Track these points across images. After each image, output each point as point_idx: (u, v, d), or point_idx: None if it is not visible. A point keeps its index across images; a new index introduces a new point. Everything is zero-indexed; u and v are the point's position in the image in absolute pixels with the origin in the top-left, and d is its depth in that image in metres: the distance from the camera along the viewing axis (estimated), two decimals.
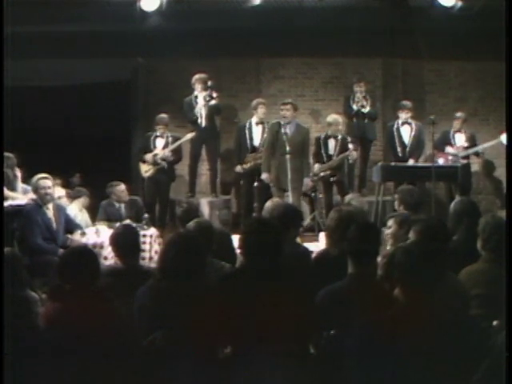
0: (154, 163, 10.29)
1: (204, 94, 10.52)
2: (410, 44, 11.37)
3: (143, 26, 10.63)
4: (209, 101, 10.46)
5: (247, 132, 10.33)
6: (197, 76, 10.61)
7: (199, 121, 10.53)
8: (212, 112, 10.57)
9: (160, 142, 10.41)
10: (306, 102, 11.65)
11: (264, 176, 9.51)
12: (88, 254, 4.16)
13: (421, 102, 11.74)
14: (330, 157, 10.04)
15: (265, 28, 10.81)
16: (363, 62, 11.65)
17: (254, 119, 10.36)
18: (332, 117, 10.17)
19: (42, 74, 11.33)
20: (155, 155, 10.29)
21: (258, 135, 10.29)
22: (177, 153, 10.47)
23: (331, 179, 9.91)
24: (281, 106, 9.60)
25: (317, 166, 9.95)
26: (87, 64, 11.27)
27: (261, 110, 10.29)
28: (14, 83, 11.17)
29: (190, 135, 10.44)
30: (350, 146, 10.02)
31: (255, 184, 9.94)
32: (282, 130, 9.09)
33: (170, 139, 10.39)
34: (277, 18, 10.76)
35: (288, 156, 8.78)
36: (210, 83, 10.52)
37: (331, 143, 10.05)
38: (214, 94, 10.47)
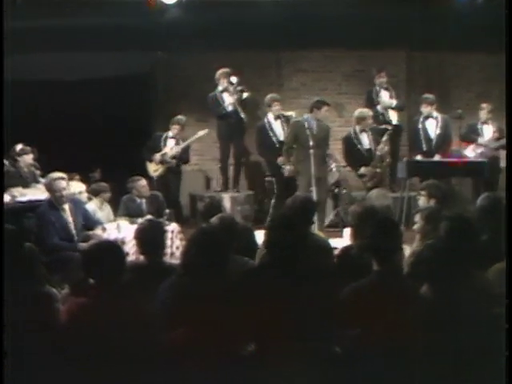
0: (163, 162, 10.35)
1: (231, 88, 10.54)
2: (434, 37, 11.31)
3: (163, 18, 10.65)
4: (241, 93, 10.49)
5: (269, 129, 10.33)
6: (221, 71, 10.64)
7: (227, 113, 10.57)
8: (245, 106, 10.61)
9: (171, 143, 10.52)
10: (329, 96, 11.52)
11: (288, 168, 9.53)
12: (114, 248, 4.18)
13: (445, 96, 11.67)
14: (368, 151, 10.00)
15: (286, 21, 10.78)
16: (386, 55, 11.59)
17: (271, 115, 10.36)
18: (360, 111, 10.11)
19: (61, 67, 11.37)
20: (164, 154, 10.37)
21: (280, 130, 10.30)
22: (185, 152, 10.57)
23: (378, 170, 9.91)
24: (320, 104, 9.52)
25: (363, 169, 9.92)
26: (107, 58, 11.30)
27: (275, 108, 10.29)
28: (32, 77, 11.29)
29: (202, 132, 10.51)
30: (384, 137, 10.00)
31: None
32: (307, 129, 9.10)
33: (181, 141, 10.53)
34: (298, 11, 10.73)
35: (312, 151, 8.78)
36: (235, 80, 10.54)
37: (364, 138, 10.00)
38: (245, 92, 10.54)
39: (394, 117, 10.91)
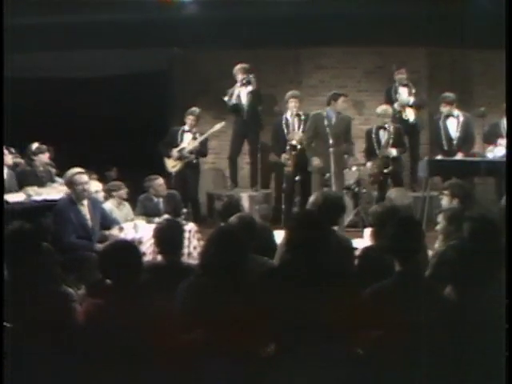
0: (181, 158, 10.37)
1: (239, 80, 10.59)
2: (456, 32, 11.24)
3: (179, 14, 10.68)
4: (246, 84, 10.51)
5: (284, 126, 10.34)
6: (238, 66, 10.66)
7: (234, 106, 10.61)
8: (252, 100, 10.61)
9: (187, 137, 10.52)
10: (349, 93, 11.52)
11: (315, 161, 9.54)
12: (131, 248, 4.21)
13: (468, 93, 11.61)
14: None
15: (305, 16, 10.78)
16: (407, 51, 11.55)
17: (289, 113, 10.37)
18: (381, 108, 10.11)
19: (76, 65, 11.44)
20: (182, 149, 10.38)
21: (297, 127, 10.29)
22: (204, 146, 10.58)
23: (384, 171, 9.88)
24: (337, 95, 9.54)
25: (369, 165, 9.95)
26: (122, 54, 11.36)
27: (291, 104, 10.31)
28: (47, 75, 11.36)
29: (219, 125, 10.54)
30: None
31: (297, 178, 9.99)
32: (326, 122, 9.09)
33: (198, 134, 10.51)
34: (318, 6, 10.73)
35: (331, 149, 8.79)
36: (250, 77, 10.55)
37: (381, 136, 10.02)
38: (252, 80, 10.53)
39: (411, 115, 10.87)
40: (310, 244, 4.09)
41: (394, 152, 9.90)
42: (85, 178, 7.35)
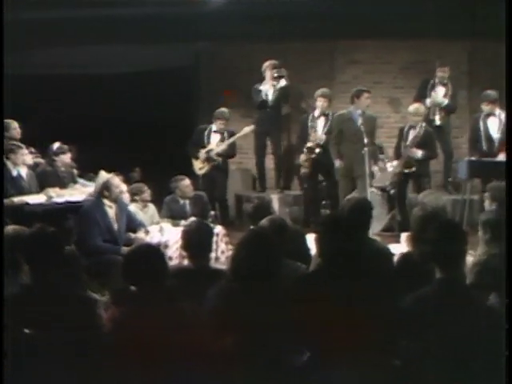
0: (209, 160, 10.42)
1: (269, 75, 10.62)
2: (500, 25, 11.15)
3: (206, 7, 10.72)
4: (278, 79, 10.53)
5: (310, 125, 10.34)
6: (268, 62, 10.68)
7: (263, 102, 10.64)
8: (279, 97, 10.63)
9: (215, 138, 10.53)
10: (384, 90, 11.58)
11: (337, 163, 9.59)
12: (156, 252, 4.24)
13: None
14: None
15: (339, 9, 10.78)
16: (446, 45, 11.48)
17: (317, 112, 10.37)
18: (413, 106, 10.04)
19: (98, 61, 11.53)
20: (210, 151, 10.42)
21: (320, 127, 10.29)
22: (231, 147, 10.59)
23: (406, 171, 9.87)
24: (359, 92, 9.54)
25: (395, 164, 9.89)
26: (147, 50, 11.42)
27: (319, 103, 10.28)
28: (68, 71, 11.47)
29: (248, 129, 10.56)
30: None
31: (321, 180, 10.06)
32: (352, 123, 9.09)
33: (227, 135, 10.52)
34: None
35: (366, 149, 8.80)
36: (283, 70, 10.58)
37: (411, 135, 9.94)
38: (285, 74, 10.56)
39: (438, 116, 10.81)
40: (344, 250, 4.10)
41: (418, 153, 9.80)
42: (118, 179, 7.50)
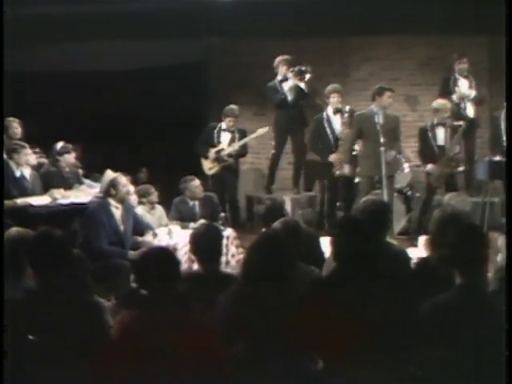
0: (219, 160, 10.43)
1: (291, 72, 10.61)
2: None
3: (216, 2, 10.73)
4: (304, 74, 10.51)
5: (326, 124, 10.30)
6: (279, 58, 10.67)
7: (286, 100, 10.63)
8: (298, 94, 10.62)
9: (225, 137, 10.53)
10: (401, 87, 11.51)
11: (346, 168, 9.60)
12: (169, 256, 4.26)
13: None
14: (441, 148, 9.85)
15: (353, 4, 10.76)
16: (466, 41, 11.43)
17: (330, 109, 10.33)
18: (439, 102, 9.97)
19: (103, 57, 11.53)
20: (220, 151, 10.43)
21: (338, 125, 10.25)
22: (244, 148, 10.60)
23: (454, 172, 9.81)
24: (382, 90, 9.52)
25: (431, 167, 9.76)
26: (155, 46, 11.41)
27: (333, 100, 10.25)
28: (72, 68, 11.49)
29: (262, 130, 10.53)
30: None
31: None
32: (376, 120, 9.07)
33: (237, 135, 10.51)
34: None
35: (382, 148, 8.78)
36: (303, 68, 10.56)
37: (440, 132, 9.86)
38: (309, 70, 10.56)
39: (470, 110, 10.77)
40: (360, 254, 4.09)
41: (456, 150, 9.78)
42: (125, 179, 7.50)
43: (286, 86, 10.66)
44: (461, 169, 9.90)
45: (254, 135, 10.55)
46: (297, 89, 10.59)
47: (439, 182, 9.72)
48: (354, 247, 4.15)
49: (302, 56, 11.01)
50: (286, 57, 10.68)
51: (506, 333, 3.68)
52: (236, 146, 10.46)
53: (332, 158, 10.07)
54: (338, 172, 9.95)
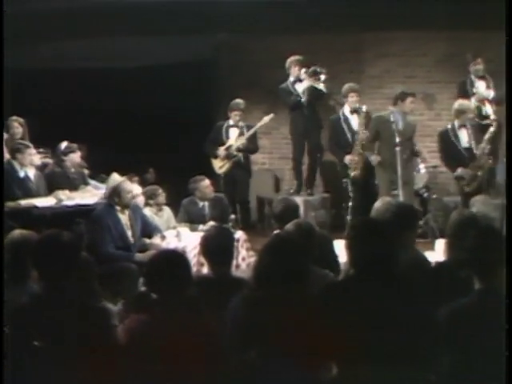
0: (229, 156, 10.45)
1: (306, 78, 10.62)
2: None
3: None
4: (319, 75, 10.51)
5: (344, 124, 10.32)
6: (292, 58, 10.68)
7: (301, 102, 10.65)
8: (313, 94, 10.62)
9: (234, 132, 10.58)
10: (417, 85, 11.48)
11: (373, 158, 9.68)
12: (181, 259, 4.28)
13: None
14: (467, 150, 9.80)
15: None
16: (484, 37, 11.38)
17: (347, 108, 10.37)
18: (460, 103, 9.93)
19: (110, 54, 11.56)
20: (229, 147, 10.45)
21: (356, 125, 10.26)
22: (252, 142, 10.63)
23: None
24: (405, 95, 9.53)
25: (461, 171, 9.71)
26: (162, 42, 11.42)
27: (351, 99, 10.26)
28: (77, 65, 11.51)
29: (267, 118, 10.58)
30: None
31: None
32: (392, 126, 9.08)
33: (246, 129, 10.56)
34: None
35: (398, 149, 8.78)
36: (318, 69, 10.56)
37: (464, 135, 9.82)
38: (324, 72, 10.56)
39: (490, 110, 10.75)
40: (379, 258, 4.09)
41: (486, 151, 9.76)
42: (130, 184, 7.59)
43: (300, 87, 10.71)
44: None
45: (259, 124, 10.61)
46: (312, 90, 10.60)
47: (473, 185, 9.69)
48: (372, 251, 4.15)
49: (314, 53, 11.03)
50: (297, 57, 10.69)
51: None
52: (244, 138, 10.50)
53: (347, 159, 10.08)
54: (353, 173, 9.96)
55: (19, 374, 3.90)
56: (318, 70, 10.58)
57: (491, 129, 9.81)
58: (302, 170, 11.04)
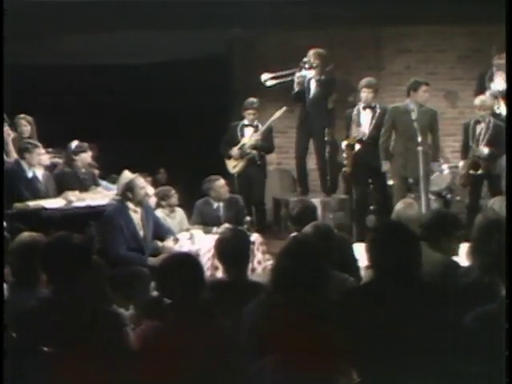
0: (242, 155, 10.46)
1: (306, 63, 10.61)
2: None
3: None
4: (309, 68, 10.51)
5: (355, 120, 10.29)
6: (313, 51, 10.65)
7: (299, 93, 10.63)
8: (320, 89, 10.61)
9: (249, 132, 10.59)
10: (439, 82, 11.49)
11: (385, 166, 9.61)
12: (194, 263, 4.30)
13: None
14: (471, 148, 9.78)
15: None
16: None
17: (362, 104, 10.32)
18: (480, 98, 9.94)
19: (121, 49, 11.58)
20: (242, 146, 10.46)
21: (366, 121, 10.21)
22: (267, 139, 10.62)
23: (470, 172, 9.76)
24: (417, 84, 9.51)
25: (461, 164, 9.78)
26: (175, 38, 11.43)
27: (364, 94, 10.20)
28: (87, 61, 11.55)
29: (279, 112, 10.59)
30: None
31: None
32: (408, 116, 9.06)
33: (260, 127, 10.57)
34: None
35: (420, 148, 8.76)
36: (308, 60, 10.56)
37: (479, 130, 9.79)
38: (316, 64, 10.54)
39: (503, 107, 10.70)
40: (402, 262, 4.08)
41: (485, 151, 9.69)
42: (143, 180, 7.57)
43: (306, 78, 10.65)
44: (479, 171, 9.78)
45: (272, 118, 10.61)
46: (319, 83, 10.58)
47: (463, 183, 9.75)
48: (395, 254, 4.13)
49: (330, 49, 10.99)
50: (319, 50, 10.59)
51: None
52: (257, 135, 10.50)
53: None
54: (344, 169, 10.01)
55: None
56: (311, 60, 10.55)
57: (482, 127, 9.77)
58: (306, 170, 11.01)
